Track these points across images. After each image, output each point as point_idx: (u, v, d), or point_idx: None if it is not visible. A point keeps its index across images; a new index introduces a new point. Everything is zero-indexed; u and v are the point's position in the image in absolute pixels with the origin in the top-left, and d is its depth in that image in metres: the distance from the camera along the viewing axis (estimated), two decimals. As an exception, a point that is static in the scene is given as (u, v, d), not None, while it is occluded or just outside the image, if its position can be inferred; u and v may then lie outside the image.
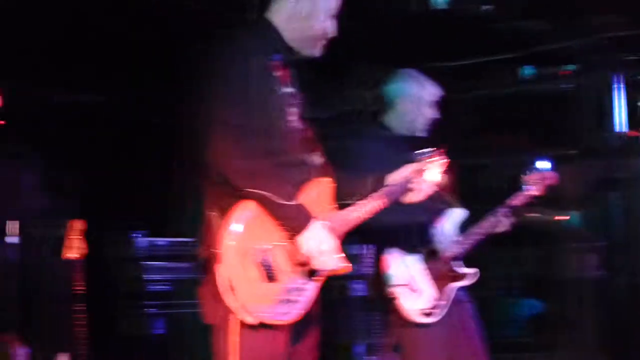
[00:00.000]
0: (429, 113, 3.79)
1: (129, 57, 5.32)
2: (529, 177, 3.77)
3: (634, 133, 5.72)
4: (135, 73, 5.43)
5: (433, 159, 2.88)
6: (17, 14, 4.70)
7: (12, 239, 4.94)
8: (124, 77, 5.50)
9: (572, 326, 5.99)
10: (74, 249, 4.60)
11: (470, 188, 3.50)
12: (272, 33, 2.76)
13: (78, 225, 4.65)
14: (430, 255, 3.68)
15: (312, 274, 2.54)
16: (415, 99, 3.76)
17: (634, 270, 5.72)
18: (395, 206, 2.81)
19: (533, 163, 3.81)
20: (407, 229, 3.56)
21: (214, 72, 2.61)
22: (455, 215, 3.78)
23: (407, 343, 3.62)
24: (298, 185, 2.60)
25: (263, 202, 2.47)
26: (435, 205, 3.50)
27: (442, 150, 2.93)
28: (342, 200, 2.79)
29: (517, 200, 3.77)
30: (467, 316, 3.75)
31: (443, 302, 3.62)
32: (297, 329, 2.55)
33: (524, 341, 6.48)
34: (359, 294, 5.36)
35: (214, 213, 2.54)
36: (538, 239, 6.41)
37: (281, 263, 2.49)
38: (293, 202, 2.50)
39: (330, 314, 4.72)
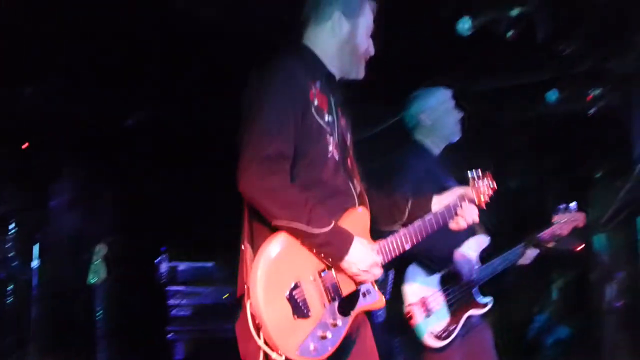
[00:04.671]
0: (454, 116, 3.81)
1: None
2: (559, 217, 3.74)
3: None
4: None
5: (483, 183, 2.79)
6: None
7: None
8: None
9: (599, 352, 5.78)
10: (97, 273, 4.58)
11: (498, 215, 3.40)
12: (313, 60, 2.65)
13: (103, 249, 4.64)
14: (450, 278, 3.58)
15: (346, 309, 2.42)
16: (438, 108, 3.78)
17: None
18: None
19: (563, 203, 3.78)
20: (429, 249, 3.36)
21: (255, 94, 2.46)
22: (479, 242, 3.68)
23: None
24: (336, 214, 2.49)
25: (296, 233, 2.35)
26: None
27: (490, 174, 2.84)
28: (382, 228, 2.73)
29: (544, 235, 3.74)
30: (487, 345, 3.69)
31: (454, 327, 3.52)
32: None
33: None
34: (380, 319, 5.22)
35: (246, 246, 2.42)
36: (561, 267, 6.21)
37: (314, 298, 2.36)
38: (327, 228, 2.36)
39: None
